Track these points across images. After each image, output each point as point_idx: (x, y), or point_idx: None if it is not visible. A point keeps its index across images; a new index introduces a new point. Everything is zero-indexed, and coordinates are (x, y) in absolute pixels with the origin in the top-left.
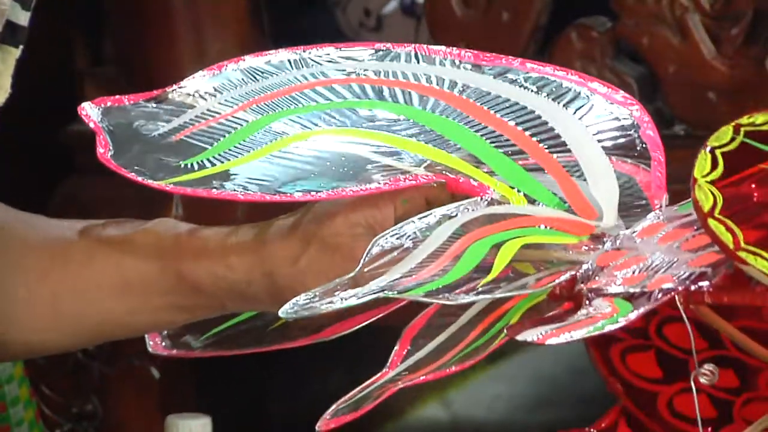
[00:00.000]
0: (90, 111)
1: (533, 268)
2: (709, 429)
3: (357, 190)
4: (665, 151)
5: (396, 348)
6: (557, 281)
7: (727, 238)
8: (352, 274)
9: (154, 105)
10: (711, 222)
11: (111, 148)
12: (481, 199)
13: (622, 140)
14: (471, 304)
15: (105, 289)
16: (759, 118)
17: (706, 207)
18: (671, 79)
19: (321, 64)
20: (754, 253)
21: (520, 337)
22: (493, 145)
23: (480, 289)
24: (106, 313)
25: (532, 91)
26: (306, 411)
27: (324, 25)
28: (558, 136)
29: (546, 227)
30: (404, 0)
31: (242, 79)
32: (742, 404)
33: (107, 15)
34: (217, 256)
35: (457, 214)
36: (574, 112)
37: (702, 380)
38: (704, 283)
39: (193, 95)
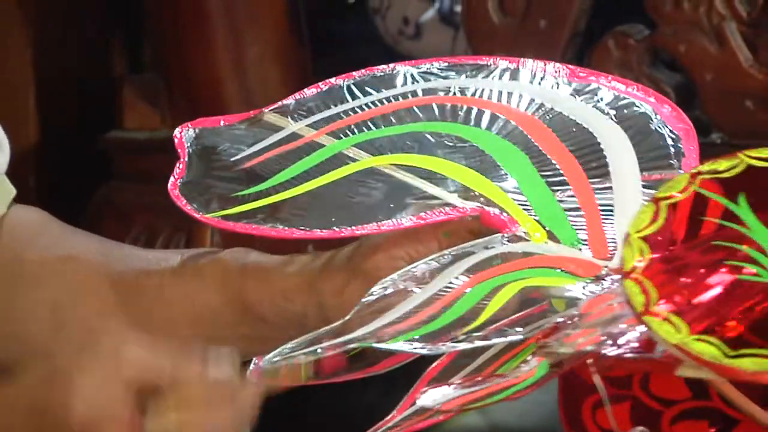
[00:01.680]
0: (185, 134)
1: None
2: None
3: (398, 224)
4: (702, 158)
5: (412, 390)
6: (539, 329)
7: (638, 300)
8: (341, 321)
9: (245, 127)
10: (627, 282)
11: (185, 176)
12: (503, 236)
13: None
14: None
15: (177, 322)
16: (722, 163)
17: (628, 265)
18: (708, 87)
19: (417, 81)
20: (663, 318)
21: (421, 402)
22: (541, 173)
23: (461, 338)
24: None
25: (602, 111)
26: (342, 423)
27: (363, 31)
28: (606, 167)
29: (554, 269)
30: (442, 8)
31: (337, 99)
32: None
33: (145, 21)
34: (277, 287)
35: (471, 254)
36: (635, 139)
37: None
38: (613, 349)
39: (288, 116)
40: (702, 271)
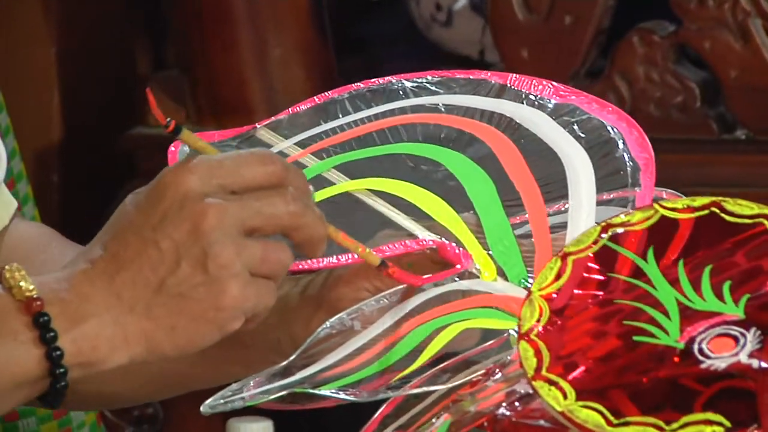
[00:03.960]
0: (180, 150)
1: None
2: None
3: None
4: (727, 154)
5: (381, 409)
6: (468, 379)
7: (530, 364)
8: (285, 363)
9: (237, 144)
10: (522, 344)
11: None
12: (453, 274)
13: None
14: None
15: None
16: (636, 215)
17: (526, 326)
18: (733, 83)
19: (409, 96)
20: (552, 383)
21: None
22: (504, 203)
23: (392, 384)
24: (169, 366)
25: (575, 136)
26: (366, 418)
27: (391, 26)
28: (566, 197)
29: (497, 309)
30: None
31: (330, 115)
32: None
33: (169, 20)
34: None
35: (421, 291)
36: (599, 165)
37: None
38: (507, 409)
39: (280, 132)
40: (600, 333)
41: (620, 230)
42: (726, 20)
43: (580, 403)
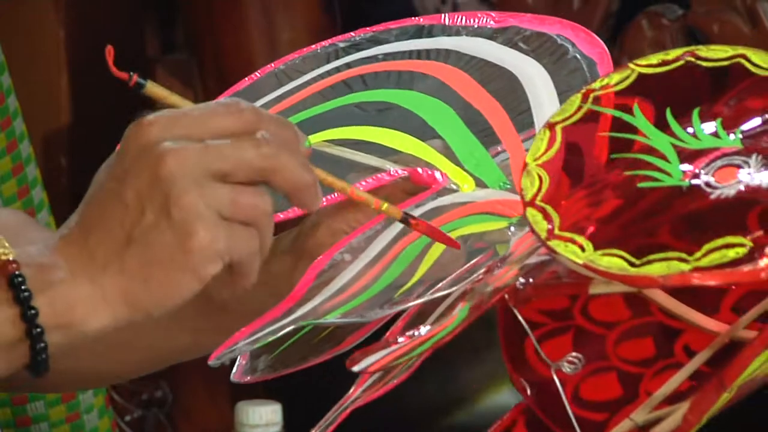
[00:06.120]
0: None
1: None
2: (606, 414)
3: (332, 198)
4: None
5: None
6: (468, 280)
7: (541, 227)
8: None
9: None
10: (529, 211)
11: None
12: (432, 194)
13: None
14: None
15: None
16: (614, 77)
17: (529, 194)
18: None
19: (347, 53)
20: (567, 240)
21: (358, 368)
22: (467, 123)
23: (395, 300)
24: (150, 339)
25: (521, 50)
26: (375, 398)
27: (400, 10)
28: (527, 103)
29: (484, 214)
30: None
31: (276, 83)
32: (653, 375)
33: (178, 2)
34: None
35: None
36: (554, 70)
37: (566, 370)
38: (525, 278)
39: None
40: (612, 187)
41: (601, 92)
42: (734, 4)
43: (599, 252)
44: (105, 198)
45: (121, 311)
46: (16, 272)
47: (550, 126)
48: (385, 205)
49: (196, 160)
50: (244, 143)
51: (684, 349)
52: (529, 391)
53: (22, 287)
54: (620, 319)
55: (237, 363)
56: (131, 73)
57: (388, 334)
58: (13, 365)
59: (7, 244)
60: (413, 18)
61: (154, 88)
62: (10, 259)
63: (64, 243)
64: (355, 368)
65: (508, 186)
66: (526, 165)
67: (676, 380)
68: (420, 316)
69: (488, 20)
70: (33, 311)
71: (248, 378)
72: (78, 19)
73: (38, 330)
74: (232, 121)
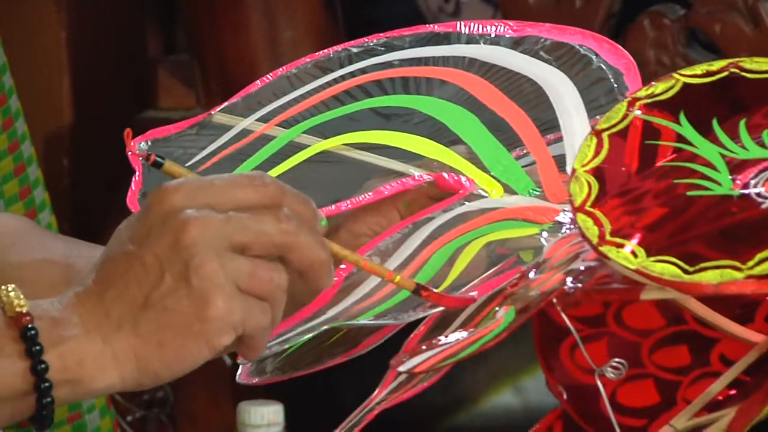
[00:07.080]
0: (137, 147)
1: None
2: (645, 420)
3: (355, 201)
4: None
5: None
6: (503, 285)
7: (593, 233)
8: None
9: (196, 131)
10: (579, 216)
11: (143, 187)
12: (459, 199)
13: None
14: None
15: None
16: (659, 86)
17: (578, 200)
18: None
19: (361, 58)
20: (618, 245)
21: (403, 368)
22: (491, 130)
23: (430, 303)
24: None
25: (543, 59)
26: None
27: (402, 9)
28: (554, 112)
29: (514, 220)
30: None
31: (288, 86)
32: (690, 383)
33: (179, 3)
34: None
35: (431, 220)
36: (579, 80)
37: (609, 375)
38: (576, 285)
39: (236, 114)
40: (653, 195)
41: (646, 101)
42: (736, 4)
43: (652, 258)
44: (125, 258)
45: (130, 373)
46: (29, 325)
47: (597, 133)
48: (398, 277)
49: (218, 230)
50: (265, 217)
51: (720, 358)
52: (565, 396)
53: (35, 340)
54: (655, 327)
55: (241, 365)
56: (149, 153)
57: (411, 338)
58: (17, 417)
59: (22, 296)
60: (427, 25)
61: (172, 167)
62: (24, 311)
63: (80, 298)
64: (401, 368)
65: (537, 192)
66: (574, 171)
67: (715, 388)
68: (443, 320)
69: (506, 29)
70: (43, 365)
71: (255, 380)
72: (80, 20)
73: (47, 384)
74: (255, 194)
